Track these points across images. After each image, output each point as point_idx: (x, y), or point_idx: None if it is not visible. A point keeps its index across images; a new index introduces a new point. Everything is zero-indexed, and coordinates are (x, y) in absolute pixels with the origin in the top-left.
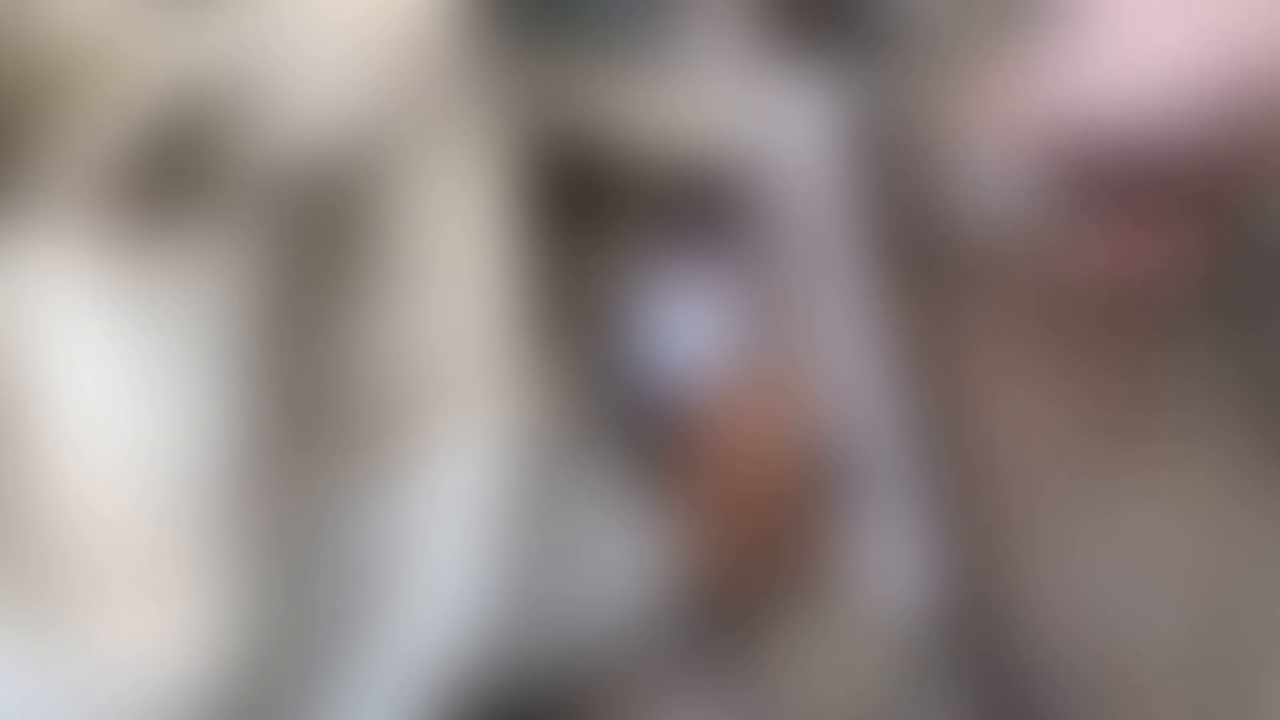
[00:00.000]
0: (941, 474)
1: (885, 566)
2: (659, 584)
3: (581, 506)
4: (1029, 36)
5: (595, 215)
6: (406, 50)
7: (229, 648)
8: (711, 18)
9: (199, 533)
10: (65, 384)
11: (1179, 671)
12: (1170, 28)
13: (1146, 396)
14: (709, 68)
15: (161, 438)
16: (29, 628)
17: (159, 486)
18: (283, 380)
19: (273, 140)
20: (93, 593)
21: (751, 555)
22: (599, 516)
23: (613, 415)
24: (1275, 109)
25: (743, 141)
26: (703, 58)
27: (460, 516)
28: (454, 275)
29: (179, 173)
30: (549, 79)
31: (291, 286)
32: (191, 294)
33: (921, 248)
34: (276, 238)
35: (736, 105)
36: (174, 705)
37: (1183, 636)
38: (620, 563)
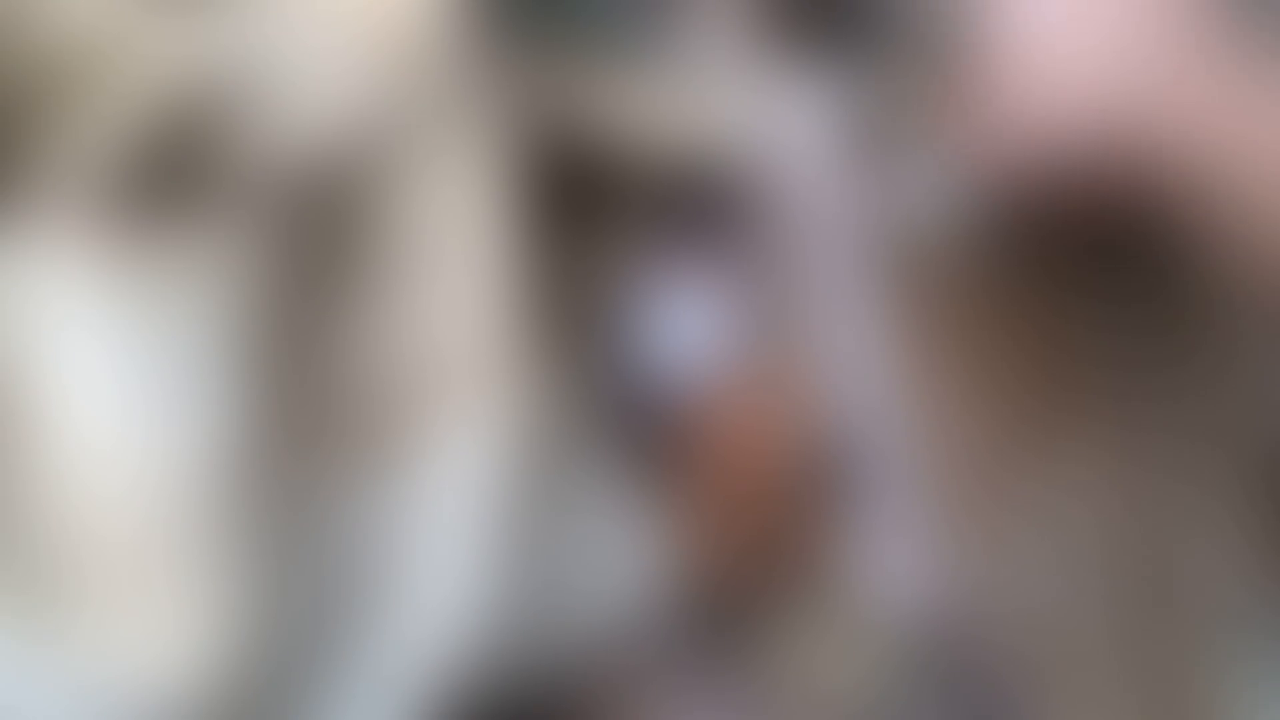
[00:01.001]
0: (935, 470)
1: (883, 563)
2: (658, 581)
3: (580, 504)
4: (962, 56)
5: (594, 214)
6: (405, 49)
7: (229, 646)
8: (711, 17)
9: (199, 532)
10: (65, 383)
11: (1114, 646)
12: (1072, 44)
13: (1070, 384)
14: (708, 67)
15: (161, 437)
16: (29, 627)
17: (159, 486)
18: (282, 379)
19: (272, 140)
20: (93, 592)
21: (750, 552)
22: (598, 514)
23: (611, 413)
24: (1173, 123)
25: (741, 140)
26: (702, 57)
27: (459, 515)
28: (453, 274)
29: (179, 172)
30: (548, 78)
31: (291, 285)
32: (191, 293)
33: (913, 246)
34: (276, 237)
35: (735, 104)
36: (175, 704)
37: (1114, 613)
38: (619, 560)
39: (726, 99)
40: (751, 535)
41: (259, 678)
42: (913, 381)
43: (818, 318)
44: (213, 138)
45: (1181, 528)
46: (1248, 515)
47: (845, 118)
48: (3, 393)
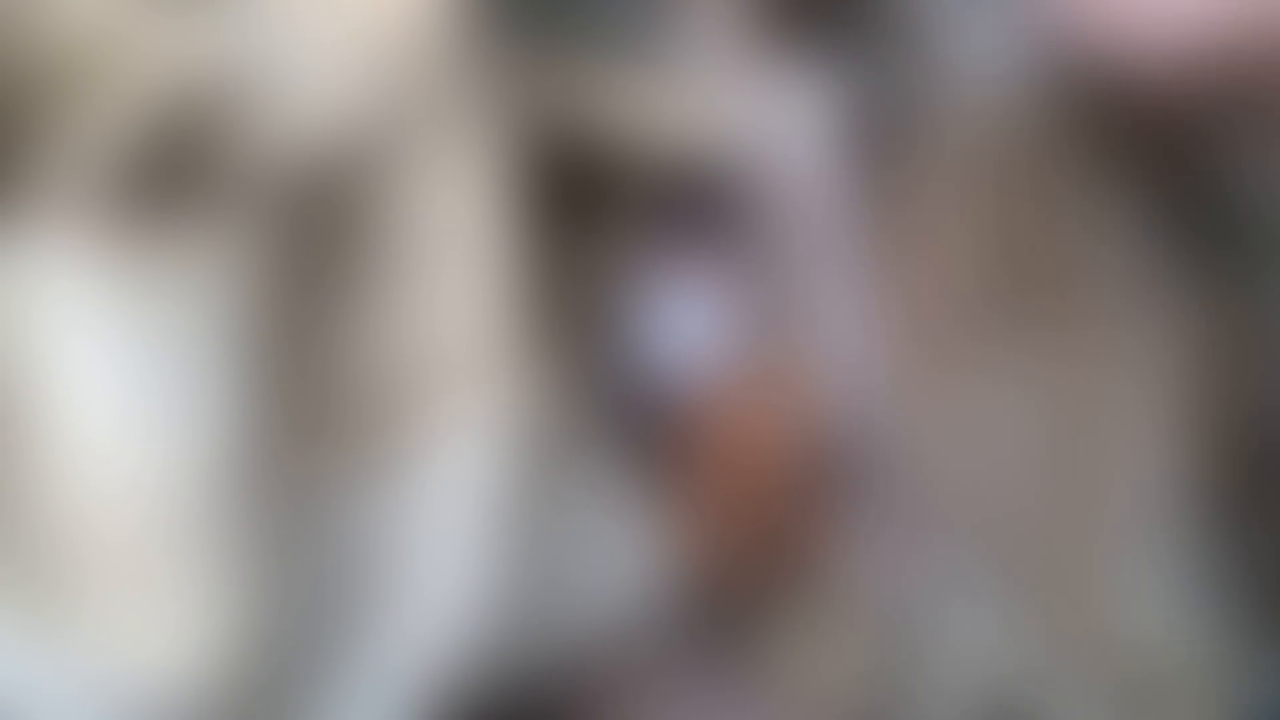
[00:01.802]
0: (935, 468)
1: (884, 560)
2: (658, 578)
3: (581, 502)
4: None
5: (593, 211)
6: (405, 47)
7: (231, 642)
8: (708, 15)
9: (201, 528)
10: (66, 380)
11: (1035, 536)
12: None
13: (1069, 264)
14: (706, 65)
15: (162, 434)
16: (30, 623)
17: (160, 482)
18: (283, 377)
19: (273, 138)
20: (95, 588)
21: (750, 549)
22: (598, 512)
23: (611, 410)
24: (1272, 55)
25: (740, 137)
26: (699, 55)
27: (460, 512)
28: (453, 271)
29: (179, 170)
30: (547, 76)
31: (292, 283)
32: (192, 290)
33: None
34: (276, 235)
35: (733, 102)
36: (177, 700)
37: (1040, 503)
38: (619, 557)
39: (724, 96)
40: (751, 532)
41: (260, 673)
42: (912, 376)
43: (816, 314)
44: (214, 136)
45: (1124, 438)
46: (1189, 440)
47: (841, 113)
48: (4, 390)
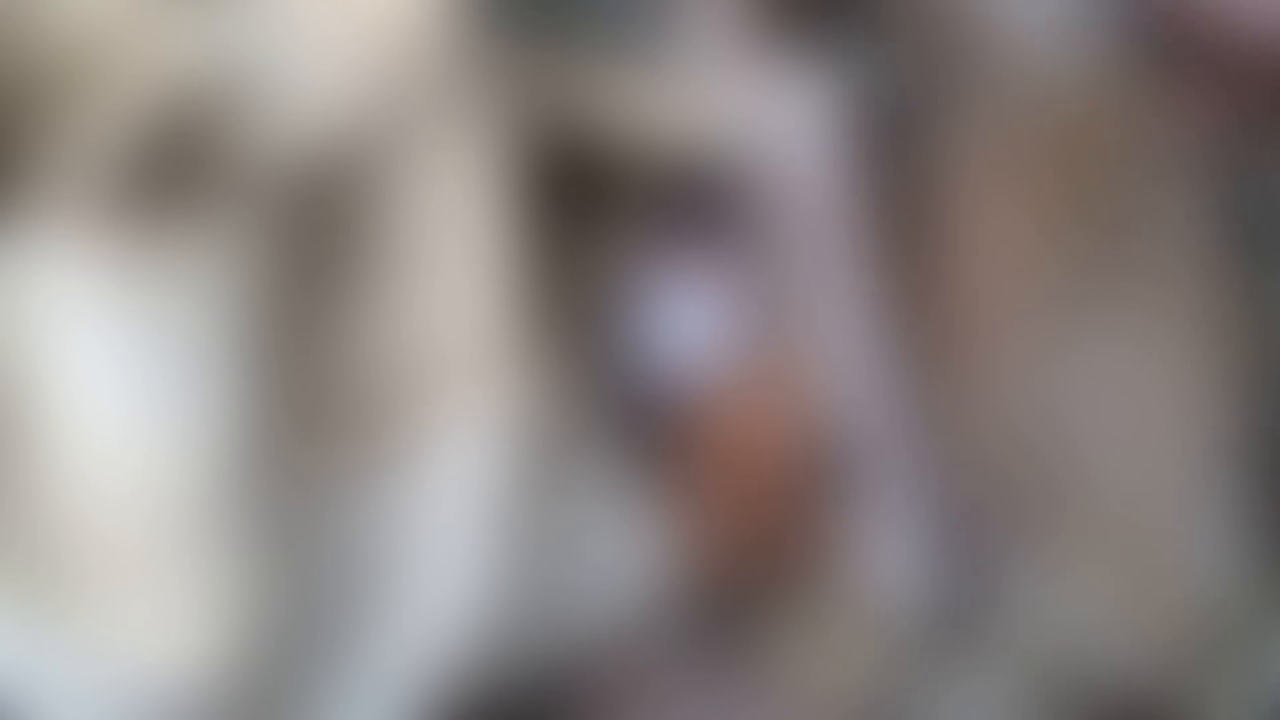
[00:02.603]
0: (937, 462)
1: (887, 557)
2: (660, 577)
3: (582, 500)
4: None
5: (594, 208)
6: (405, 45)
7: (233, 639)
8: (708, 11)
9: (203, 525)
10: (68, 378)
11: (1110, 494)
12: None
13: (1127, 239)
14: (706, 61)
15: (164, 431)
16: (35, 620)
17: (163, 480)
18: (284, 374)
19: (274, 135)
20: (95, 586)
21: (753, 547)
22: (599, 510)
23: (612, 408)
24: None
25: (740, 134)
26: (700, 51)
27: (461, 509)
28: (454, 268)
29: (180, 168)
30: (546, 73)
31: (293, 281)
32: (193, 288)
33: (915, 232)
34: (277, 233)
35: (734, 98)
36: (178, 697)
37: (1116, 464)
38: (621, 556)
39: (726, 93)
40: (753, 530)
41: (264, 669)
42: (914, 372)
43: (818, 311)
44: (215, 134)
45: (1184, 398)
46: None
47: (842, 110)
48: (6, 388)
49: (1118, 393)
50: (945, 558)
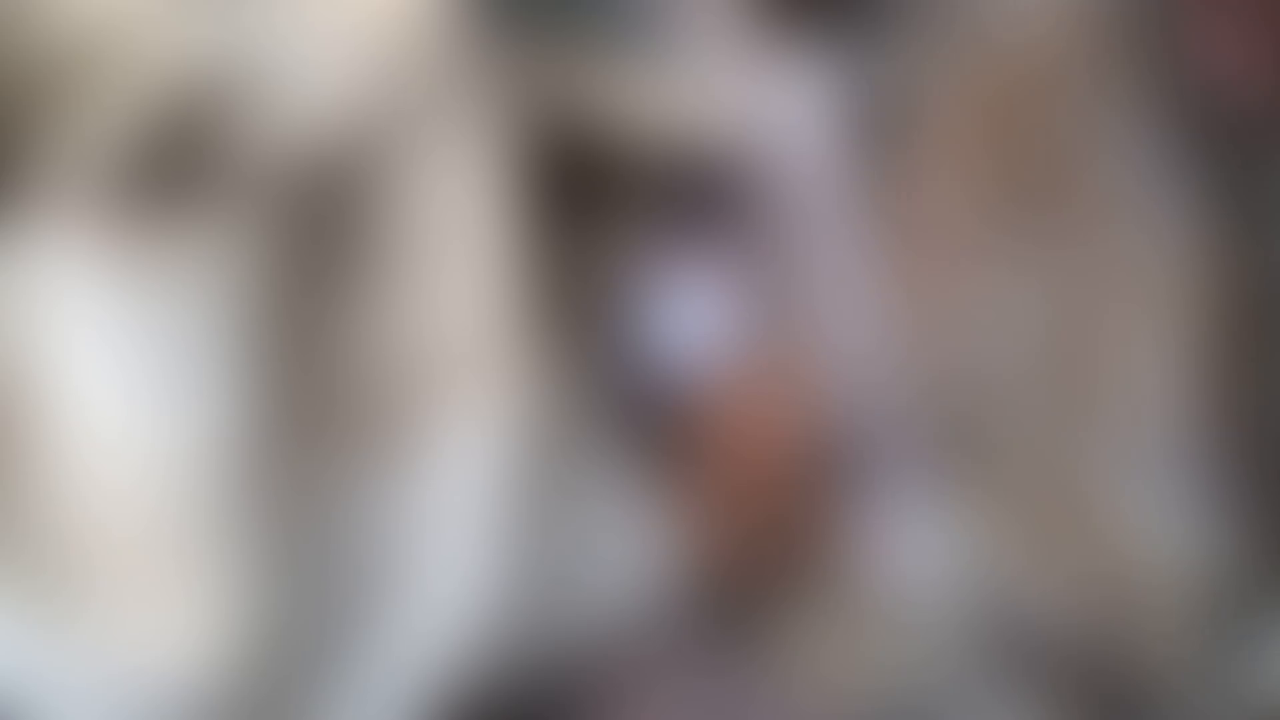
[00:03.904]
0: (943, 455)
1: (893, 551)
2: (665, 571)
3: (587, 496)
4: None
5: (596, 203)
6: (406, 41)
7: (238, 637)
8: (708, 4)
9: (206, 524)
10: (70, 375)
11: (1036, 437)
12: None
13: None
14: (707, 55)
15: (167, 429)
16: (36, 619)
17: (166, 478)
18: (287, 371)
19: (275, 132)
20: (98, 585)
21: (758, 542)
22: (604, 506)
23: (617, 404)
24: None
25: (742, 127)
26: (700, 45)
27: (465, 505)
28: (456, 265)
29: (182, 165)
30: (547, 69)
31: (295, 278)
32: (196, 286)
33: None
34: (279, 229)
35: (734, 91)
36: (182, 696)
37: (1033, 382)
38: (626, 551)
39: (726, 86)
40: (758, 525)
41: (267, 668)
42: (915, 364)
43: (821, 304)
44: (216, 129)
45: (1128, 343)
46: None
47: (843, 102)
48: (7, 385)
49: (1069, 344)
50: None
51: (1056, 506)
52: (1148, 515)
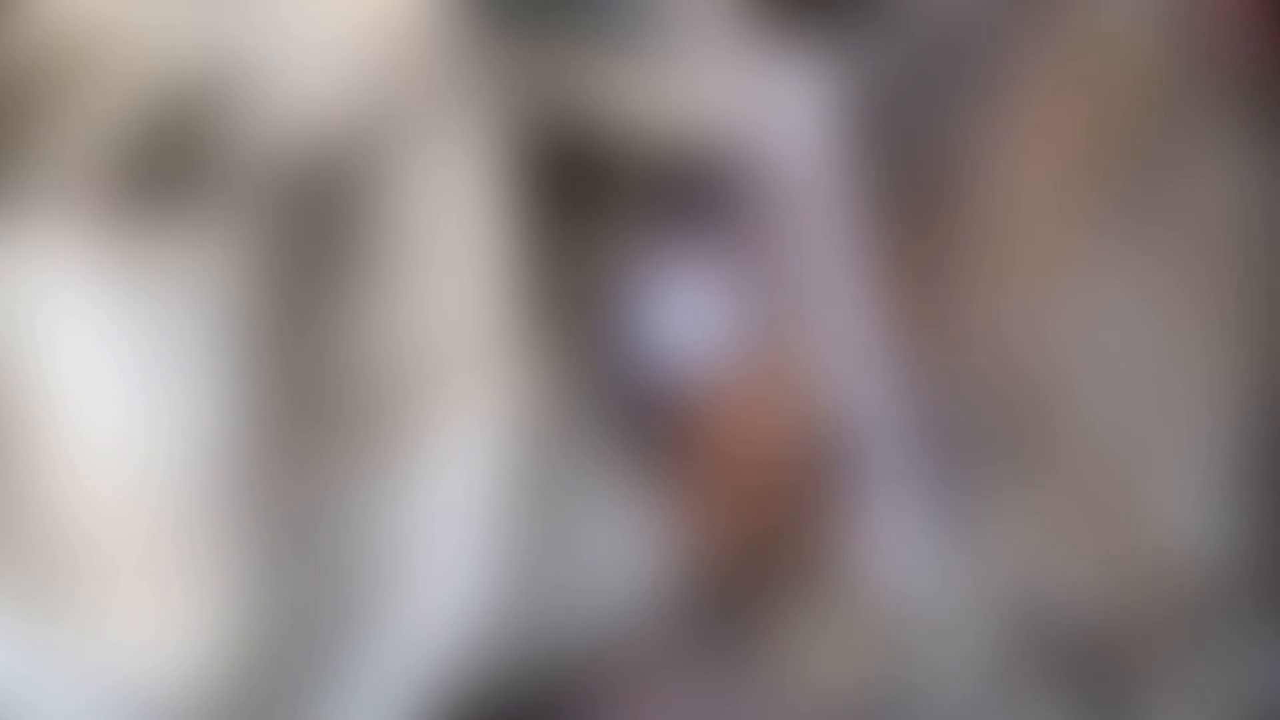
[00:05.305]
0: (937, 454)
1: (889, 553)
2: (661, 572)
3: (582, 496)
4: None
5: (591, 202)
6: (400, 39)
7: (231, 640)
8: (704, 4)
9: (200, 525)
10: (63, 375)
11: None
12: None
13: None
14: (702, 52)
15: (161, 429)
16: (33, 619)
17: (159, 478)
18: (282, 370)
19: (268, 130)
20: (93, 587)
21: (754, 543)
22: (600, 506)
23: (612, 404)
24: None
25: (738, 126)
26: (696, 44)
27: (460, 506)
28: (451, 263)
29: (176, 162)
30: (542, 66)
31: (289, 276)
32: (190, 285)
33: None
34: (274, 228)
35: (730, 88)
36: (177, 698)
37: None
38: (622, 552)
39: (722, 85)
40: (755, 526)
41: (263, 670)
42: (911, 366)
43: (817, 304)
44: (210, 128)
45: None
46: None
47: (840, 100)
48: (2, 385)
49: (1124, 339)
50: (944, 547)
51: (1108, 508)
52: (1196, 516)
